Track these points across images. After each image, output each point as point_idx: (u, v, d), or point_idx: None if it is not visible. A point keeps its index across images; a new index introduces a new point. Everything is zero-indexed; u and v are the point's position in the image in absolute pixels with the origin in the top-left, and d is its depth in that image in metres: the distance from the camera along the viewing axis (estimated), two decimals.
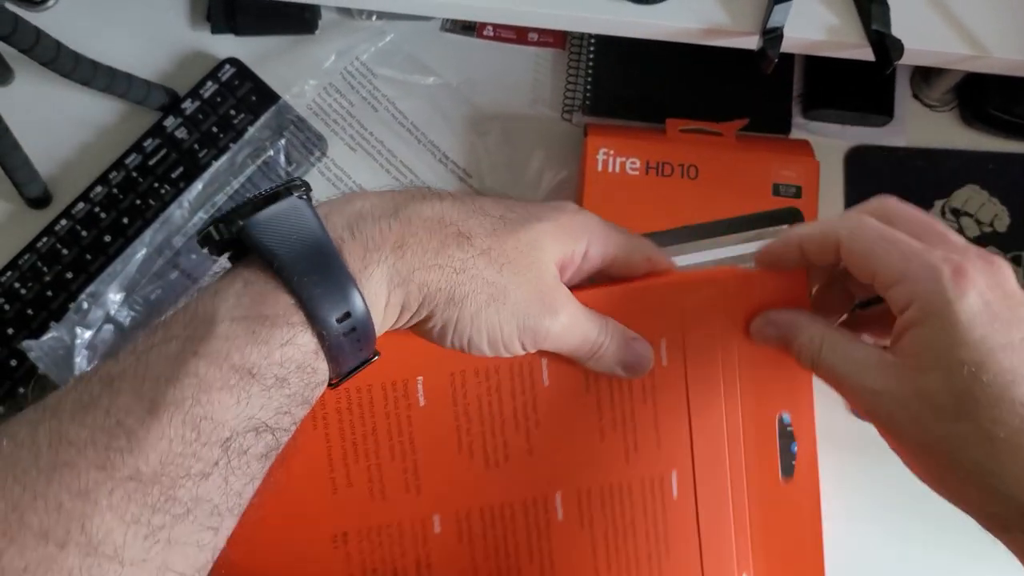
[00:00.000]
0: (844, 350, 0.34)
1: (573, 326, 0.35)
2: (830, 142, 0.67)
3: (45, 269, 0.62)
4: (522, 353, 0.35)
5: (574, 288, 0.37)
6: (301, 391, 0.30)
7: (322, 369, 0.31)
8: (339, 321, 0.30)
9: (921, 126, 0.67)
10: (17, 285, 0.61)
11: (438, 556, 0.36)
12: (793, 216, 0.61)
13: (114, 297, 0.60)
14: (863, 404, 0.33)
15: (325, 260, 0.30)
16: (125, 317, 0.61)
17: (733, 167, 0.62)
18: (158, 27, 0.67)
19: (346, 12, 0.67)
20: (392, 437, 0.36)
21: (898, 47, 0.53)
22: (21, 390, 0.60)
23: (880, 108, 0.66)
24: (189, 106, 0.64)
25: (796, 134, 0.67)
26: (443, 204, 0.34)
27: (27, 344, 0.58)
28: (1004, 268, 0.33)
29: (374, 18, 0.67)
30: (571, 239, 0.36)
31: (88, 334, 0.59)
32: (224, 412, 0.28)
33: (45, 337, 0.59)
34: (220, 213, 0.32)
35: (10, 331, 0.61)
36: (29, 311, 0.61)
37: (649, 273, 0.39)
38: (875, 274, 0.33)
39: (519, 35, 0.68)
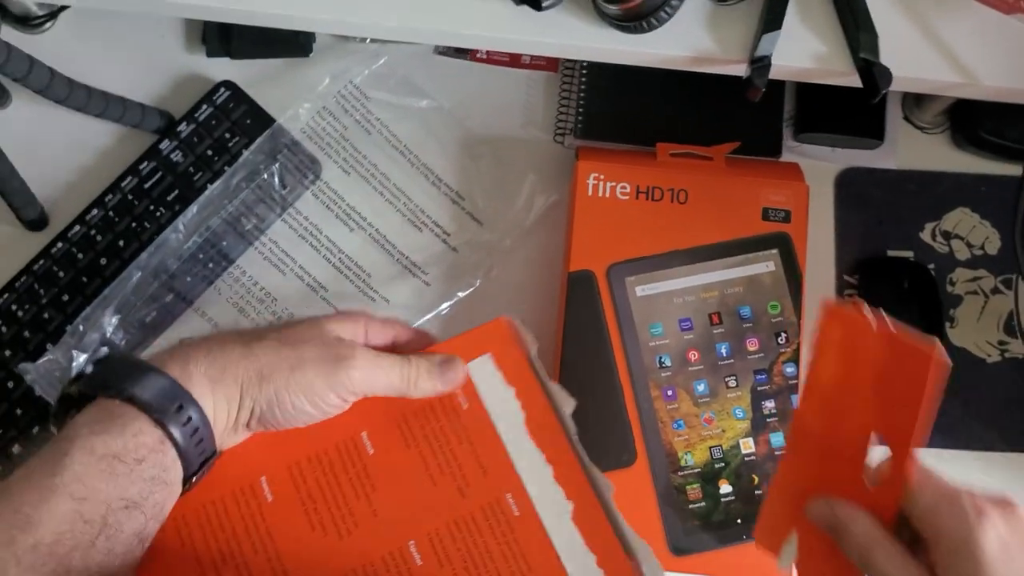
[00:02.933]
0: (895, 558, 0.38)
1: (374, 368, 0.42)
2: (821, 164, 0.67)
3: (42, 291, 0.62)
4: (345, 406, 0.42)
5: None
6: (158, 473, 0.38)
7: (171, 455, 0.39)
8: (176, 412, 0.39)
9: (912, 149, 0.68)
10: (14, 307, 0.62)
11: None
12: (783, 241, 0.61)
13: (110, 320, 0.61)
14: None
15: (152, 377, 0.39)
16: (120, 339, 0.61)
17: (723, 191, 0.62)
18: (153, 50, 0.67)
19: (340, 36, 0.68)
20: (252, 535, 0.41)
21: (886, 75, 0.53)
22: (18, 411, 0.61)
23: (871, 131, 0.66)
24: (184, 129, 0.64)
25: (787, 156, 0.67)
26: (238, 331, 0.43)
27: (23, 367, 0.59)
28: (1018, 509, 0.38)
29: (368, 41, 0.67)
30: (349, 323, 0.44)
31: (83, 357, 0.60)
32: (98, 493, 0.36)
33: (41, 360, 0.59)
34: (59, 392, 0.41)
35: (7, 353, 0.62)
36: (26, 333, 0.62)
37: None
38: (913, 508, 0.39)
39: (512, 58, 0.69)
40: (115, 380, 0.39)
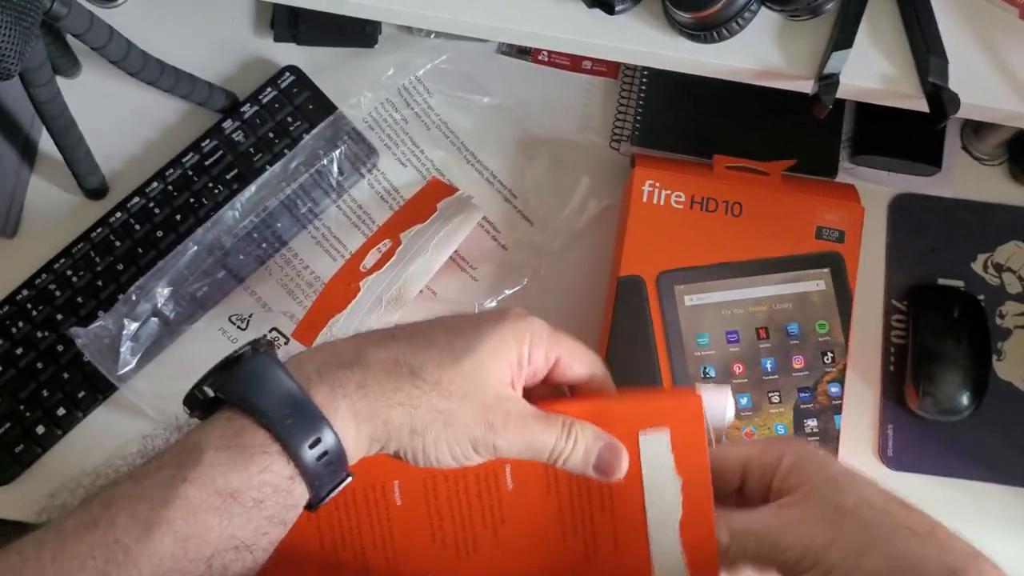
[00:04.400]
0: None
1: (522, 438, 0.39)
2: (875, 188, 0.67)
3: (97, 259, 0.63)
4: (483, 460, 0.39)
5: (541, 398, 0.40)
6: (278, 512, 0.35)
7: (298, 492, 0.36)
8: (311, 448, 0.35)
9: (968, 178, 0.67)
10: (69, 272, 0.63)
11: None
12: (835, 260, 0.61)
13: (162, 291, 0.62)
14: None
15: (293, 399, 0.35)
16: (171, 311, 0.62)
17: (777, 207, 0.62)
18: (223, 31, 0.69)
19: (405, 28, 0.68)
20: (374, 530, 0.41)
21: (954, 101, 0.53)
22: (66, 375, 0.62)
23: (928, 157, 0.66)
24: (248, 110, 0.66)
25: (842, 177, 0.67)
26: (397, 344, 0.38)
27: (74, 331, 0.60)
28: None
29: (432, 36, 0.68)
30: (511, 350, 0.39)
31: (134, 326, 0.61)
32: (208, 532, 0.33)
33: (92, 326, 0.60)
34: (199, 378, 0.37)
35: (59, 317, 0.63)
36: (79, 299, 0.63)
37: (589, 388, 0.42)
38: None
39: (573, 62, 0.69)
40: (253, 391, 0.35)
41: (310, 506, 0.37)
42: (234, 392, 0.36)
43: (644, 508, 0.39)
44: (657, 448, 0.39)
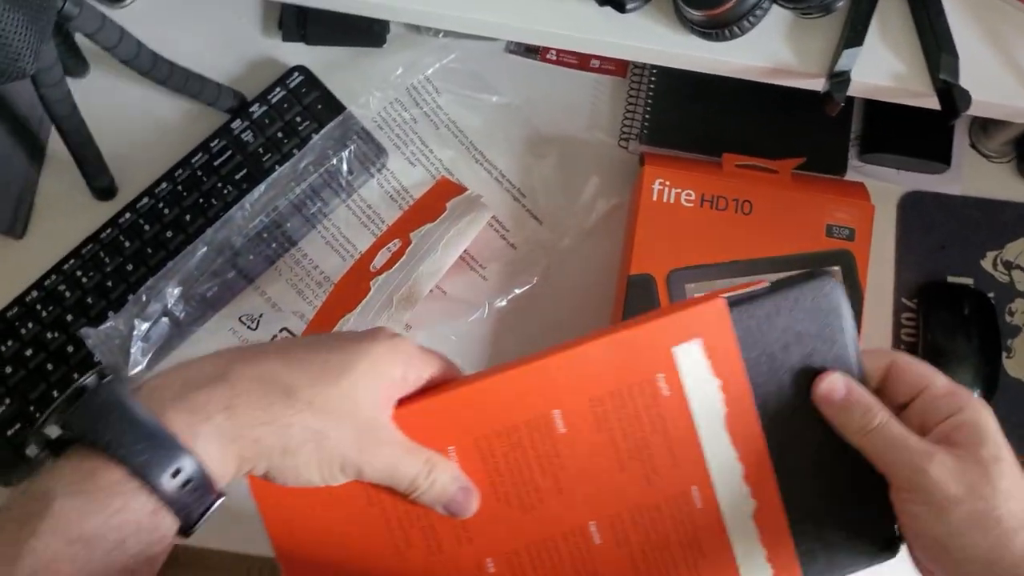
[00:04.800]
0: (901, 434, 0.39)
1: (386, 464, 0.38)
2: (885, 186, 0.67)
3: (107, 260, 0.63)
4: (344, 482, 0.39)
5: (427, 393, 0.40)
6: (144, 548, 0.33)
7: (166, 524, 0.34)
8: (173, 477, 0.33)
9: (977, 176, 0.67)
10: (79, 273, 0.63)
11: None
12: (845, 258, 0.61)
13: (172, 291, 0.61)
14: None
15: (148, 429, 0.34)
16: (181, 311, 0.62)
17: (787, 205, 0.62)
18: (231, 31, 0.69)
19: (414, 28, 0.68)
20: None
21: (965, 98, 0.53)
22: (76, 376, 0.62)
23: (938, 155, 0.66)
24: (257, 110, 0.65)
25: (851, 175, 0.67)
26: (269, 362, 0.37)
27: (85, 331, 0.60)
28: None
29: (441, 35, 0.68)
30: (385, 373, 0.39)
31: (145, 326, 0.61)
32: None
33: (103, 327, 0.60)
34: (42, 416, 0.35)
35: (69, 318, 0.63)
36: (89, 300, 0.63)
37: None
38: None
39: (581, 61, 0.69)
40: (103, 427, 0.33)
41: (184, 532, 0.35)
42: (81, 428, 0.34)
43: (691, 416, 0.41)
44: (692, 356, 0.40)
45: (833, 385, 0.40)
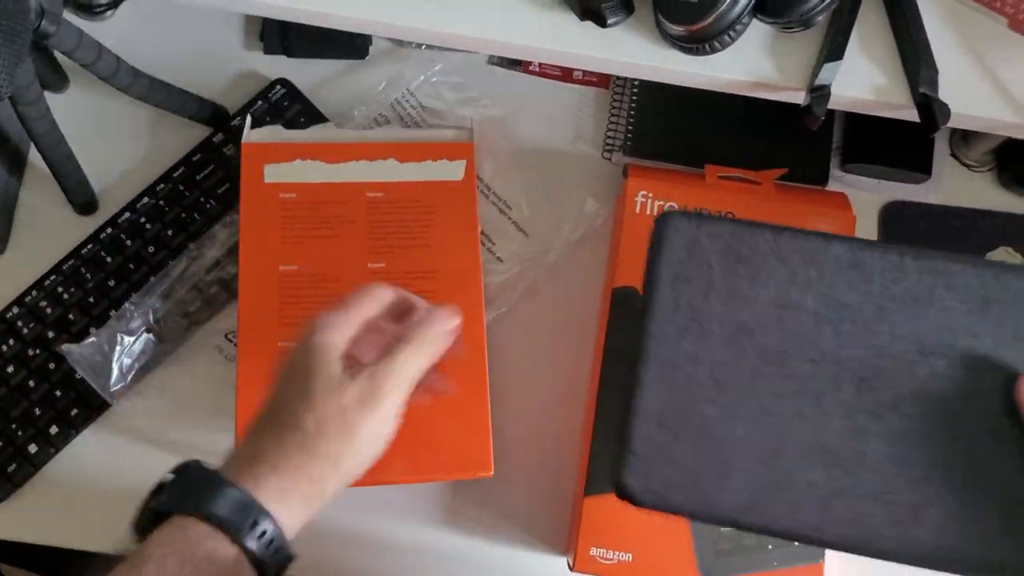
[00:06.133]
0: None
1: (397, 396, 0.45)
2: (866, 196, 0.67)
3: (88, 275, 0.63)
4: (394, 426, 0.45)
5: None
6: None
7: (246, 574, 0.40)
8: (251, 528, 0.39)
9: (958, 185, 0.68)
10: (60, 289, 0.63)
11: None
12: None
13: (155, 307, 0.61)
14: None
15: (227, 491, 0.40)
16: (164, 327, 0.62)
17: (770, 217, 0.62)
18: (211, 44, 0.68)
19: (396, 40, 0.68)
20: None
21: (945, 112, 0.53)
22: (58, 393, 0.61)
23: (918, 165, 0.67)
24: (238, 123, 0.65)
25: (833, 185, 0.67)
26: (272, 421, 0.44)
27: (67, 348, 0.60)
28: None
29: (423, 48, 0.68)
30: (331, 353, 0.44)
31: (128, 341, 0.60)
32: None
33: (85, 342, 0.60)
34: (142, 503, 0.41)
35: (50, 334, 0.62)
36: (70, 316, 0.62)
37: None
38: None
39: (564, 73, 0.69)
40: (191, 496, 0.40)
41: None
42: (174, 501, 0.40)
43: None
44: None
45: None
